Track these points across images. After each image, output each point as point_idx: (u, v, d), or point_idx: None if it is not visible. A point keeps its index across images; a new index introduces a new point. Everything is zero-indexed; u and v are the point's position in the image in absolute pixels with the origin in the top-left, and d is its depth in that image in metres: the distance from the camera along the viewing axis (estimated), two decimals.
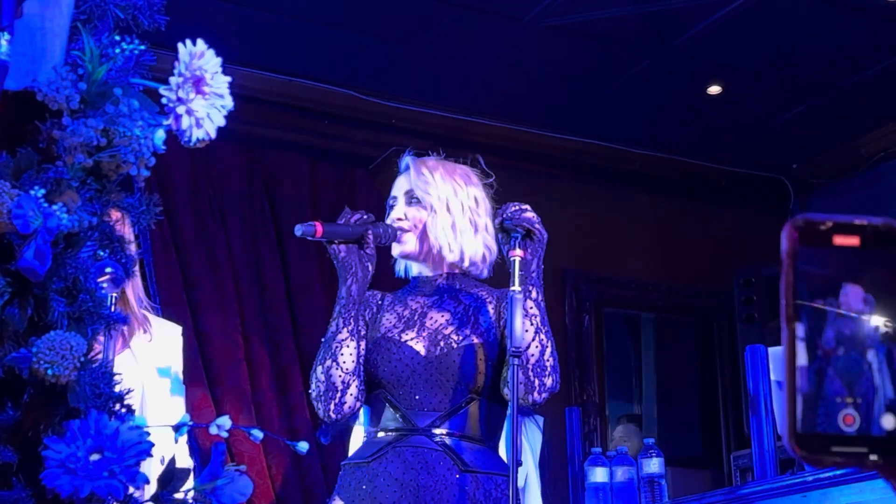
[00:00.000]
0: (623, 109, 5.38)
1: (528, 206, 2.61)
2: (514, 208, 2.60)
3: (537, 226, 2.60)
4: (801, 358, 0.81)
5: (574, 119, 5.45)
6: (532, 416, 4.40)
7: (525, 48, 4.83)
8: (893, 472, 0.82)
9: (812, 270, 0.83)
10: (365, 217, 2.70)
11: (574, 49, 4.87)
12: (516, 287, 2.54)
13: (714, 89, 5.22)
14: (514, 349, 2.48)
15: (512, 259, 2.57)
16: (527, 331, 2.56)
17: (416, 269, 2.79)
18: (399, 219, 2.75)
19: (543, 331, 2.60)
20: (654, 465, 4.10)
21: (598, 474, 4.14)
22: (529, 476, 4.25)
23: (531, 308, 2.59)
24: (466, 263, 2.74)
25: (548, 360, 2.60)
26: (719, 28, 4.68)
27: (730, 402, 5.78)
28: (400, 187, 2.80)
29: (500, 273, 2.72)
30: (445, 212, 2.73)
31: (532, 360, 2.57)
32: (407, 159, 2.82)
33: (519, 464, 2.51)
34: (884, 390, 0.82)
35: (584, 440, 5.06)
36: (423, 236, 2.73)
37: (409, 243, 2.74)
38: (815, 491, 3.15)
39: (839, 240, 0.83)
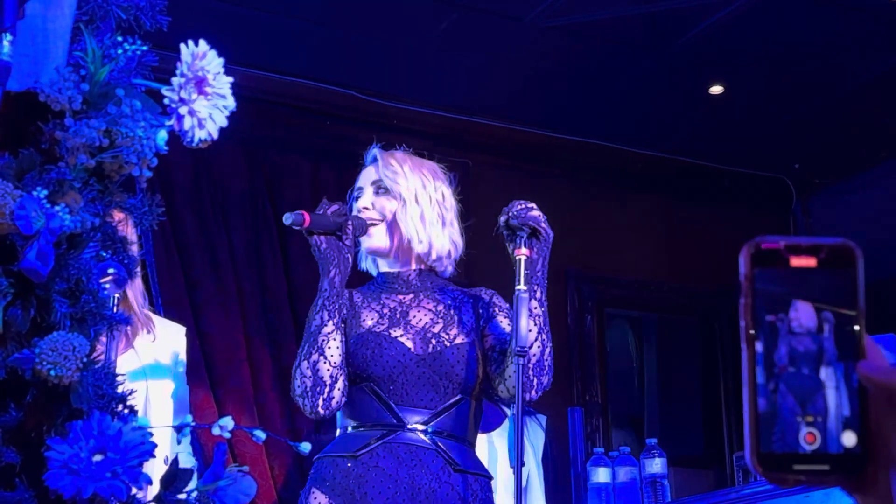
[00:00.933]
0: (624, 109, 5.38)
1: (533, 205, 2.59)
2: (519, 206, 2.58)
3: (543, 225, 2.58)
4: (760, 376, 0.82)
5: (575, 119, 5.45)
6: (534, 416, 4.40)
7: (526, 48, 4.83)
8: (855, 488, 0.83)
9: (768, 290, 0.84)
10: (341, 208, 2.69)
11: (575, 49, 4.87)
12: (522, 286, 2.52)
13: (716, 89, 5.21)
14: (519, 348, 2.47)
15: (518, 258, 2.56)
16: (530, 330, 2.55)
17: (383, 264, 2.77)
18: (366, 207, 2.73)
19: (545, 331, 2.60)
20: (656, 465, 4.11)
21: (601, 474, 4.14)
22: (531, 476, 4.25)
23: (535, 308, 2.58)
24: (433, 256, 2.73)
25: (546, 360, 2.60)
26: (721, 28, 4.67)
27: (732, 402, 5.77)
28: (367, 178, 2.77)
29: (503, 271, 2.71)
30: (414, 202, 2.71)
31: (533, 360, 2.57)
32: (374, 151, 2.80)
33: (522, 463, 2.51)
34: (840, 408, 0.82)
35: (587, 440, 5.06)
36: (393, 227, 2.71)
37: (379, 237, 2.71)
38: (818, 491, 3.14)
39: (796, 261, 0.84)
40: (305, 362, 2.57)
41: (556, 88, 5.19)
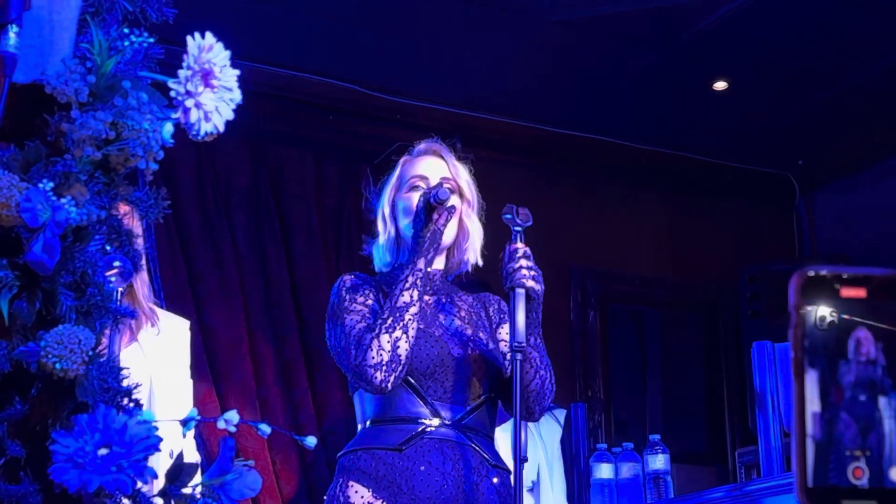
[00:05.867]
0: (629, 105, 5.37)
1: (524, 263, 2.54)
2: (512, 267, 2.54)
3: (536, 287, 2.54)
4: (815, 405, 0.81)
5: (580, 115, 5.44)
6: (549, 411, 4.38)
7: (531, 43, 4.82)
8: None
9: (821, 319, 0.83)
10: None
11: (580, 44, 4.86)
12: (522, 289, 2.54)
13: (720, 85, 5.20)
14: (516, 344, 2.47)
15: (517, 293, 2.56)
16: (527, 372, 2.56)
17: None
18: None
19: (543, 365, 2.61)
20: (659, 461, 4.09)
21: (604, 470, 4.13)
22: (542, 471, 4.24)
23: (530, 352, 2.58)
24: (462, 269, 2.75)
25: (546, 388, 2.64)
26: (725, 23, 4.66)
27: (735, 399, 5.76)
28: (432, 170, 2.72)
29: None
30: (477, 217, 2.74)
31: (533, 394, 2.59)
32: (434, 145, 2.76)
33: (525, 460, 2.51)
34: (894, 437, 0.82)
35: (589, 436, 5.06)
36: (458, 226, 2.70)
37: (451, 229, 2.67)
38: None
39: (846, 292, 0.83)
40: (387, 336, 2.49)
41: (561, 83, 5.18)
